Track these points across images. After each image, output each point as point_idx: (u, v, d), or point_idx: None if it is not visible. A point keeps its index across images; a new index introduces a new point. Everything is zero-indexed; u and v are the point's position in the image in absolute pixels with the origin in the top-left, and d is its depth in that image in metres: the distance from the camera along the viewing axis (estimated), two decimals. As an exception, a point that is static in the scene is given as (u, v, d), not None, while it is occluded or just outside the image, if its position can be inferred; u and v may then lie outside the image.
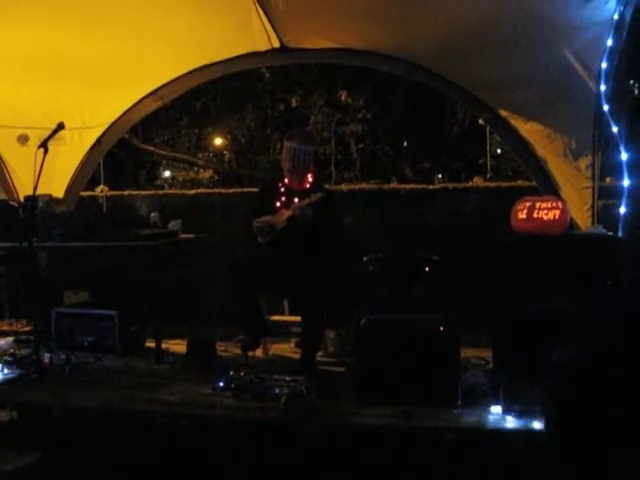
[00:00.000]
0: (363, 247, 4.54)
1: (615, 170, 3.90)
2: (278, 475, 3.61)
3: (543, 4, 4.01)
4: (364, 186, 7.42)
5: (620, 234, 3.78)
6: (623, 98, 3.95)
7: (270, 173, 11.17)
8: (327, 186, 5.45)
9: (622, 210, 3.77)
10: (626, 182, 3.74)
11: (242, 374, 4.21)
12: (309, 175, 4.90)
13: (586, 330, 3.57)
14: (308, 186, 4.87)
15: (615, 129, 3.84)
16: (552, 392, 3.16)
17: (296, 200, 4.71)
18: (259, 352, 4.97)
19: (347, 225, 5.41)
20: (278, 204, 4.83)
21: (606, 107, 3.93)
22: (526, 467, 3.35)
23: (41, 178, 4.49)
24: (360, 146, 11.88)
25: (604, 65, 3.95)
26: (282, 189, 4.89)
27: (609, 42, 3.90)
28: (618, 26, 3.84)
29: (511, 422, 3.60)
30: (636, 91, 4.04)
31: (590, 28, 3.99)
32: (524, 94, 4.78)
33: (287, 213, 4.68)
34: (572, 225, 4.51)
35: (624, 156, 3.76)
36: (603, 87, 3.97)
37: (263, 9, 4.61)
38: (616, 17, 3.82)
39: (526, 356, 3.66)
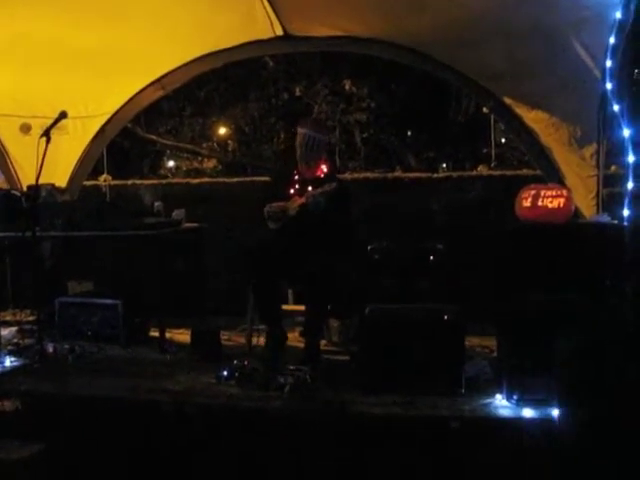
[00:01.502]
0: (368, 236, 4.53)
1: (619, 149, 3.84)
2: (282, 463, 3.61)
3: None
4: (368, 175, 7.40)
5: (627, 210, 3.72)
6: (627, 76, 3.90)
7: (274, 162, 11.17)
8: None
9: (629, 185, 3.71)
10: (631, 158, 3.70)
11: (246, 363, 4.21)
12: (323, 165, 4.89)
13: (590, 318, 3.58)
14: (322, 175, 4.86)
15: (616, 107, 3.80)
16: (565, 379, 3.15)
17: (309, 188, 4.69)
18: (262, 340, 4.94)
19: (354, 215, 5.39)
20: (292, 191, 4.82)
21: (609, 85, 3.88)
22: (530, 455, 3.36)
23: (44, 167, 4.49)
24: (364, 135, 11.85)
25: (612, 40, 3.88)
26: (296, 177, 4.87)
27: (618, 14, 3.82)
28: (626, 3, 3.78)
29: (514, 411, 3.59)
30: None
31: (597, 14, 3.95)
32: (529, 82, 4.75)
33: (300, 200, 4.67)
34: (577, 214, 4.49)
35: (626, 132, 3.72)
36: (609, 63, 3.91)
37: (266, -4, 4.58)
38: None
39: (530, 345, 3.65)
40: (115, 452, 3.71)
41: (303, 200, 4.63)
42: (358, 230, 5.05)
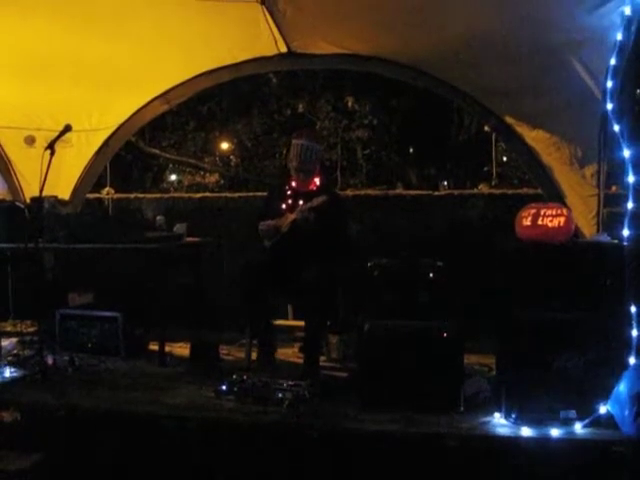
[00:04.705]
0: (368, 252, 4.54)
1: (620, 169, 3.87)
2: (280, 478, 3.61)
3: (551, 12, 4.00)
4: (370, 191, 7.44)
5: (627, 230, 3.73)
6: (629, 97, 3.91)
7: (276, 178, 11.22)
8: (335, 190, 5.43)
9: (629, 205, 3.73)
10: (631, 178, 3.72)
11: (245, 378, 4.22)
12: (316, 178, 4.90)
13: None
14: (315, 189, 4.86)
15: (617, 127, 3.82)
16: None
17: (301, 202, 4.71)
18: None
19: (353, 230, 5.41)
20: (284, 206, 4.83)
21: (610, 105, 3.91)
22: (528, 474, 3.36)
23: (47, 180, 4.51)
24: (366, 152, 11.91)
25: (613, 61, 3.92)
26: (289, 192, 4.89)
27: (619, 36, 3.84)
28: (627, 25, 3.81)
29: (513, 429, 3.58)
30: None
31: (597, 36, 3.99)
32: (531, 102, 4.78)
33: (291, 217, 4.68)
34: (577, 233, 4.51)
35: (626, 153, 3.74)
36: (610, 83, 3.94)
37: (271, 14, 4.62)
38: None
39: (529, 363, 3.66)
40: (114, 464, 3.71)
41: (294, 216, 4.65)
42: (356, 242, 5.06)
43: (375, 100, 11.38)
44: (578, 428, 3.52)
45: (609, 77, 3.92)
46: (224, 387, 4.14)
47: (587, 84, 4.27)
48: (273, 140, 12.30)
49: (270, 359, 4.80)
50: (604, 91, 4.01)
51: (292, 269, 4.62)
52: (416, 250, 5.40)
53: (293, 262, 4.64)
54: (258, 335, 4.83)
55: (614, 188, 5.04)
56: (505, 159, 11.99)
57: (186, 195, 7.99)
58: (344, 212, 4.97)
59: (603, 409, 3.55)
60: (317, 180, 4.91)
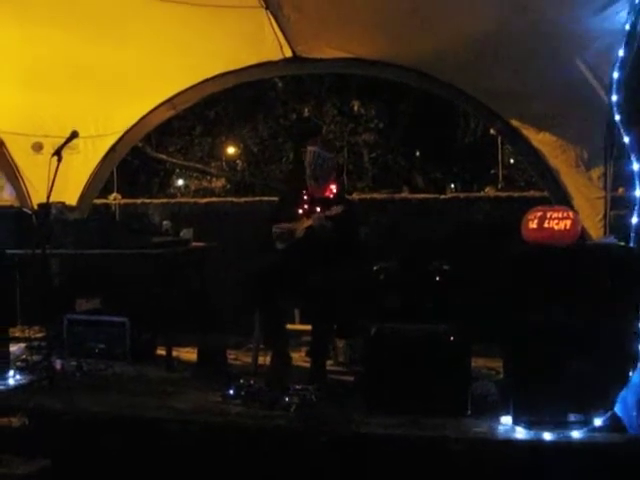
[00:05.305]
0: (374, 256, 4.54)
1: (627, 181, 3.87)
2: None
3: (554, 15, 4.00)
4: (376, 195, 7.44)
5: (632, 245, 3.76)
6: (635, 108, 3.91)
7: (282, 182, 11.24)
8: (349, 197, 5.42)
9: (634, 220, 3.74)
10: (638, 192, 3.72)
11: (252, 382, 4.22)
12: (332, 185, 4.91)
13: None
14: (332, 196, 4.86)
15: (627, 139, 3.82)
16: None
17: (318, 209, 4.70)
18: (268, 360, 4.93)
19: (362, 236, 5.41)
20: (300, 211, 4.83)
21: (618, 117, 3.91)
22: (535, 478, 3.35)
23: (55, 186, 4.53)
24: (372, 155, 11.92)
25: (616, 75, 3.94)
26: (305, 197, 4.89)
27: (621, 52, 3.88)
28: (630, 36, 3.82)
29: (520, 433, 3.57)
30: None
31: (602, 38, 3.99)
32: (536, 104, 4.78)
33: (307, 222, 4.67)
34: (584, 235, 4.49)
35: (635, 166, 3.74)
36: (615, 97, 3.96)
37: (276, 19, 4.64)
38: (627, 28, 3.80)
39: (536, 367, 3.65)
40: (121, 470, 3.71)
41: (310, 222, 4.65)
42: (366, 251, 5.06)
43: (381, 104, 11.40)
44: (586, 431, 3.51)
45: (615, 69, 3.91)
46: (231, 391, 4.15)
47: (592, 86, 4.26)
48: (279, 144, 12.32)
49: (286, 371, 4.61)
50: (610, 84, 4.01)
51: (302, 274, 4.60)
52: (422, 253, 5.42)
53: (304, 267, 4.63)
54: (271, 345, 4.79)
55: (621, 190, 5.03)
56: (512, 162, 11.98)
57: (192, 200, 8.01)
58: (359, 222, 4.99)
59: (611, 412, 3.54)
60: (333, 187, 4.91)
